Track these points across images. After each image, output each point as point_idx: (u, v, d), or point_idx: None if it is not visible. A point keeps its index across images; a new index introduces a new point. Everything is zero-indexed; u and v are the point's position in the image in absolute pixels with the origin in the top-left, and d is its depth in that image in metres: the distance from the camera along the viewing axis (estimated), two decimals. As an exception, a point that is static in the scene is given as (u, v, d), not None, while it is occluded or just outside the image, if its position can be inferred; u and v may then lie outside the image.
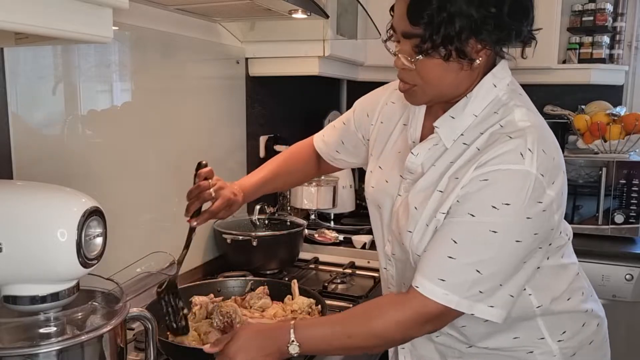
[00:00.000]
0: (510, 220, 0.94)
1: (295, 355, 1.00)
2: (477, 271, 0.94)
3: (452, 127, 1.03)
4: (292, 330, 0.99)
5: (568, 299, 1.10)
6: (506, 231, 0.94)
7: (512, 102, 1.02)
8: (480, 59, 0.98)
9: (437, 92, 1.03)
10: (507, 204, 0.93)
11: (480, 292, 0.95)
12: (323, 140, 1.41)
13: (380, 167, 1.19)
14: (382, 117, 1.23)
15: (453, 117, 1.04)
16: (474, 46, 0.96)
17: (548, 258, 1.06)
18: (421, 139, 1.10)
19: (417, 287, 0.97)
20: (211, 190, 1.21)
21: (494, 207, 0.93)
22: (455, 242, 0.96)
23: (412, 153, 1.08)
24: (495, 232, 0.94)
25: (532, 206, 0.94)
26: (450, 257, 0.95)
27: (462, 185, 0.97)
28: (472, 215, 0.95)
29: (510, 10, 0.94)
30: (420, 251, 1.03)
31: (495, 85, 1.03)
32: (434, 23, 0.93)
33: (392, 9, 1.02)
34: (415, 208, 1.04)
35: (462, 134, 1.03)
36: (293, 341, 0.98)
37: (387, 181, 1.15)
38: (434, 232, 1.01)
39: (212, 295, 1.36)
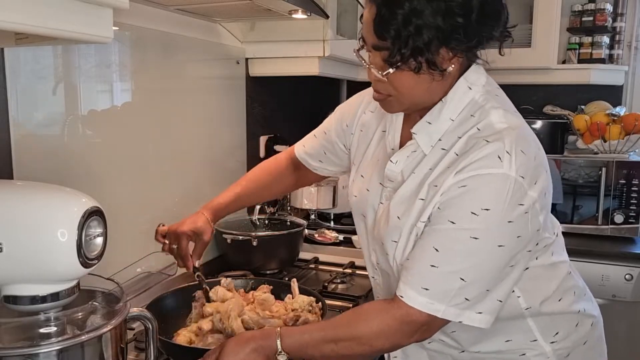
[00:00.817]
0: (491, 225, 0.92)
1: None
2: (461, 279, 0.93)
3: (429, 133, 1.02)
4: (278, 341, 0.98)
5: (559, 300, 1.09)
6: (487, 237, 0.92)
7: (489, 104, 1.00)
8: (453, 66, 0.96)
9: (412, 101, 1.02)
10: (487, 210, 0.91)
11: (467, 299, 0.94)
12: (304, 150, 1.38)
13: (362, 176, 1.17)
14: (360, 126, 1.22)
15: (430, 123, 1.02)
16: (444, 55, 0.94)
17: (537, 258, 1.04)
18: (400, 146, 1.09)
19: (401, 296, 0.96)
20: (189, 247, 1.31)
21: (473, 213, 0.92)
22: (436, 250, 0.94)
23: (391, 161, 1.06)
24: (476, 238, 0.92)
25: (512, 209, 0.92)
26: (432, 266, 0.94)
27: (441, 192, 0.96)
28: (452, 223, 0.93)
29: (478, 18, 0.91)
30: (404, 260, 1.01)
31: (470, 88, 1.01)
32: (401, 36, 0.91)
33: (361, 17, 1.00)
34: (398, 217, 1.02)
35: (440, 139, 1.01)
36: (281, 352, 0.98)
37: (368, 190, 1.13)
38: (415, 241, 1.00)
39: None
